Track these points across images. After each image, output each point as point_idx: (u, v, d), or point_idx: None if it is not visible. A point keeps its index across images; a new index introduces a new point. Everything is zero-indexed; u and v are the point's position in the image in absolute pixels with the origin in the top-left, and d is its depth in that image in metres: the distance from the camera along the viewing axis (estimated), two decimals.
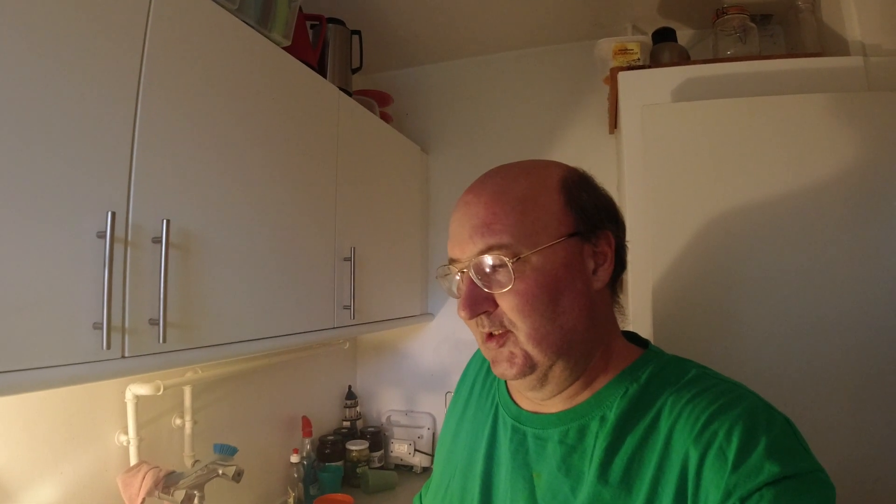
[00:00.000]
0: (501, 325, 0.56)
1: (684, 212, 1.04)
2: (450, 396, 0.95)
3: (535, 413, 0.61)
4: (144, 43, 0.80)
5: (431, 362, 1.93)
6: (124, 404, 1.06)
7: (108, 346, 0.70)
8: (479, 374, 0.75)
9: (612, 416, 0.55)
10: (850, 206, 0.97)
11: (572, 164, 0.62)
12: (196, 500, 1.06)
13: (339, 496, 1.51)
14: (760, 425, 0.48)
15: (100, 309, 0.71)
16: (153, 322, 0.79)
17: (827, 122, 1.00)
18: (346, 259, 1.35)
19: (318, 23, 1.46)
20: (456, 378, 0.81)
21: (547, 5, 1.63)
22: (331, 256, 1.30)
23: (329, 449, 1.66)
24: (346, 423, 1.85)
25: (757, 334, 0.99)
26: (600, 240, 0.58)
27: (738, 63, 1.16)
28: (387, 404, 1.97)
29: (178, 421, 1.20)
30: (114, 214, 0.72)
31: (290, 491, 1.47)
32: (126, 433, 1.06)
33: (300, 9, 1.25)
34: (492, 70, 1.94)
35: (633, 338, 0.64)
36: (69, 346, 0.68)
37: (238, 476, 1.11)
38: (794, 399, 0.92)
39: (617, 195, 0.81)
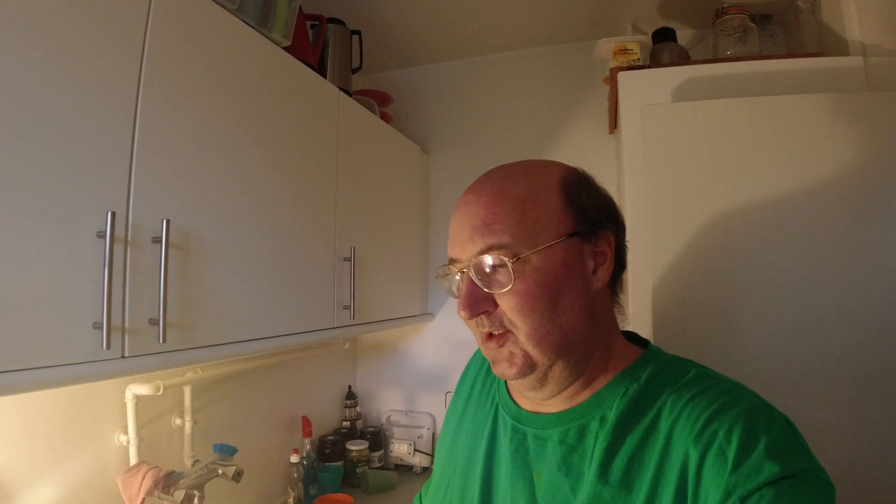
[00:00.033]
0: (501, 325, 0.56)
1: (684, 212, 1.04)
2: (450, 396, 0.95)
3: (535, 413, 0.61)
4: (144, 43, 0.80)
5: (431, 362, 1.93)
6: (124, 404, 1.06)
7: (108, 346, 0.70)
8: (479, 374, 0.75)
9: (612, 415, 0.55)
10: (850, 206, 0.97)
11: (572, 164, 0.62)
12: (196, 500, 1.06)
13: (339, 496, 1.51)
14: (760, 425, 0.48)
15: (100, 309, 0.71)
16: (153, 322, 0.79)
17: (827, 122, 1.00)
18: (346, 259, 1.35)
19: (318, 23, 1.46)
20: (456, 378, 0.81)
21: (547, 5, 1.63)
22: (331, 256, 1.30)
23: (329, 449, 1.66)
24: (346, 423, 1.85)
25: (757, 334, 0.99)
26: (600, 240, 0.58)
27: (738, 63, 1.16)
28: (387, 404, 1.97)
29: (178, 421, 1.20)
30: (114, 214, 0.72)
31: (290, 491, 1.47)
32: (126, 433, 1.06)
33: (300, 9, 1.25)
34: (492, 70, 1.94)
35: (633, 338, 0.64)
36: (69, 346, 0.68)
37: (238, 476, 1.11)
38: (794, 399, 0.92)
39: (617, 195, 0.81)
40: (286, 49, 1.17)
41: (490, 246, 0.54)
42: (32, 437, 0.92)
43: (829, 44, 1.23)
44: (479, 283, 0.55)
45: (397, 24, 1.72)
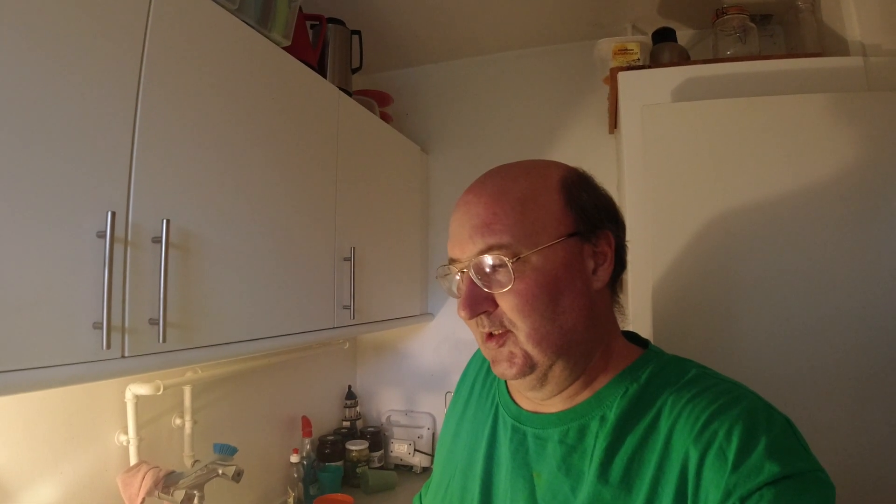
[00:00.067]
0: (501, 324, 0.56)
1: (684, 212, 1.04)
2: (450, 396, 0.95)
3: (535, 413, 0.61)
4: (144, 43, 0.80)
5: (431, 362, 1.93)
6: (124, 404, 1.06)
7: (108, 346, 0.70)
8: (479, 374, 0.75)
9: (612, 415, 0.55)
10: (850, 206, 0.97)
11: (572, 164, 0.62)
12: (196, 500, 1.06)
13: (339, 496, 1.51)
14: (760, 425, 0.48)
15: (100, 309, 0.71)
16: (153, 322, 0.79)
17: (827, 122, 1.00)
18: (346, 259, 1.35)
19: (318, 23, 1.46)
20: (456, 378, 0.81)
21: (547, 5, 1.63)
22: (331, 256, 1.30)
23: (329, 449, 1.66)
24: (346, 423, 1.85)
25: (757, 334, 0.99)
26: (600, 240, 0.58)
27: (738, 63, 1.16)
28: (387, 404, 1.97)
29: (178, 421, 1.20)
30: (114, 214, 0.72)
31: (290, 491, 1.47)
32: (126, 433, 1.06)
33: (300, 9, 1.25)
34: (492, 70, 1.94)
35: (633, 338, 0.64)
36: (69, 346, 0.68)
37: (238, 476, 1.11)
38: (794, 399, 0.92)
39: (617, 195, 0.81)
40: (286, 49, 1.17)
41: (490, 246, 0.54)
42: (32, 437, 0.92)
43: (829, 44, 1.23)
44: (479, 282, 0.55)
45: (397, 24, 1.72)
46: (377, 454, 1.80)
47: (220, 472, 1.10)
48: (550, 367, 0.56)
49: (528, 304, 0.54)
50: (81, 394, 1.00)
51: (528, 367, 0.55)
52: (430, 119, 2.00)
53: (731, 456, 0.46)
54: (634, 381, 0.57)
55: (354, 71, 1.60)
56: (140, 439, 1.07)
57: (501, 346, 0.56)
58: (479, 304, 0.55)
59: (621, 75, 1.23)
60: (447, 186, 1.96)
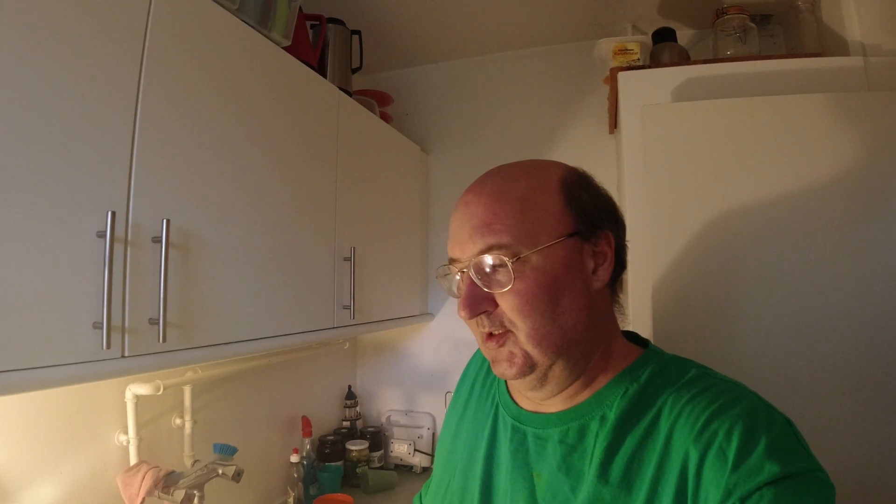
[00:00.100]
0: (501, 324, 0.56)
1: (684, 212, 1.04)
2: (450, 396, 0.95)
3: (535, 413, 0.61)
4: (144, 43, 0.80)
5: (431, 362, 1.93)
6: (124, 404, 1.06)
7: (108, 346, 0.70)
8: (479, 374, 0.75)
9: (612, 415, 0.55)
10: (850, 206, 0.97)
11: (572, 164, 0.62)
12: (196, 500, 1.06)
13: (339, 496, 1.51)
14: (760, 425, 0.48)
15: (100, 308, 0.71)
16: (153, 322, 0.79)
17: (827, 122, 1.00)
18: (346, 259, 1.35)
19: (318, 23, 1.46)
20: (456, 378, 0.81)
21: (547, 5, 1.63)
22: (331, 256, 1.30)
23: (329, 449, 1.66)
24: (346, 423, 1.85)
25: (757, 334, 0.99)
26: (600, 239, 0.58)
27: (738, 63, 1.17)
28: (387, 404, 1.97)
29: (178, 421, 1.20)
30: (114, 214, 0.72)
31: (290, 491, 1.47)
32: (126, 433, 1.06)
33: (300, 9, 1.25)
34: (492, 70, 1.94)
35: (633, 338, 0.64)
36: (69, 346, 0.68)
37: (238, 476, 1.11)
38: (794, 399, 0.92)
39: (617, 195, 0.81)
40: (286, 49, 1.17)
41: (490, 246, 0.54)
42: (32, 437, 0.92)
43: (829, 44, 1.23)
44: (479, 282, 0.55)
45: (397, 24, 1.72)
46: (377, 454, 1.80)
47: (220, 472, 1.10)
48: (550, 367, 0.56)
49: (528, 303, 0.54)
50: (81, 394, 1.00)
51: (528, 367, 0.55)
52: (430, 119, 2.00)
53: (731, 456, 0.46)
54: (634, 381, 0.57)
55: (354, 71, 1.60)
56: (140, 439, 1.07)
57: (501, 346, 0.56)
58: (479, 303, 0.55)
59: (621, 75, 1.23)
60: (447, 186, 1.96)
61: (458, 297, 0.58)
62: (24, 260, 0.64)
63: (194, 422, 1.22)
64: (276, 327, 1.09)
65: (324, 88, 1.31)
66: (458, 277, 0.59)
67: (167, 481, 1.03)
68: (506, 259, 0.53)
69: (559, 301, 0.54)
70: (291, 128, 1.17)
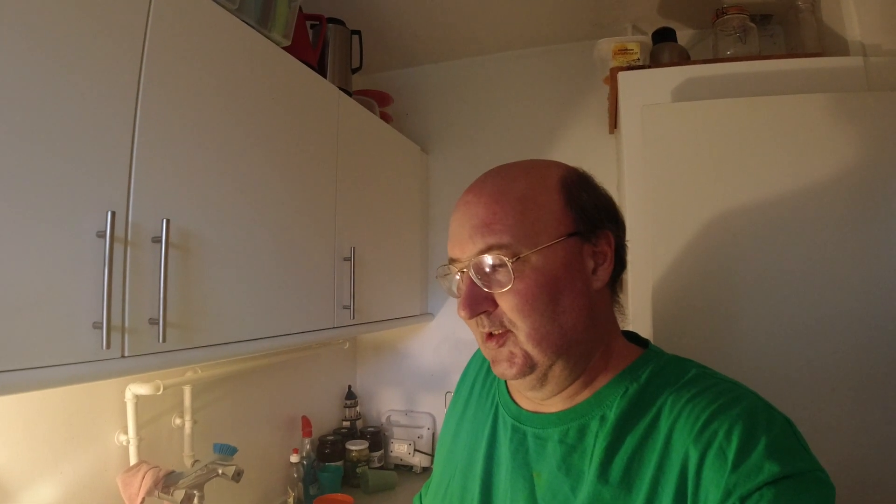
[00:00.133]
0: (501, 324, 0.56)
1: (684, 212, 1.04)
2: (450, 396, 0.95)
3: (535, 412, 0.61)
4: (144, 43, 0.80)
5: (431, 362, 1.93)
6: (124, 404, 1.06)
7: (108, 346, 0.70)
8: (479, 374, 0.75)
9: (612, 415, 0.55)
10: (850, 206, 0.97)
11: (572, 164, 0.62)
12: (196, 500, 1.06)
13: (339, 496, 1.51)
14: (760, 425, 0.48)
15: (99, 308, 0.71)
16: (153, 322, 0.79)
17: (827, 122, 1.00)
18: (346, 259, 1.35)
19: (318, 23, 1.46)
20: (456, 378, 0.81)
21: (547, 5, 1.63)
22: (331, 256, 1.30)
23: (329, 449, 1.66)
24: (346, 423, 1.85)
25: (757, 334, 0.99)
26: (600, 239, 0.58)
27: (738, 63, 1.16)
28: (387, 404, 1.97)
29: (178, 421, 1.20)
30: (114, 214, 0.72)
31: (290, 491, 1.47)
32: (126, 433, 1.06)
33: (300, 9, 1.25)
34: (492, 70, 1.94)
35: (633, 338, 0.64)
36: (69, 346, 0.68)
37: (238, 476, 1.11)
38: (794, 399, 0.92)
39: (617, 195, 0.81)
40: (286, 49, 1.17)
41: (490, 246, 0.54)
42: (32, 437, 0.92)
43: (829, 44, 1.23)
44: (478, 282, 0.55)
45: (397, 24, 1.72)
46: (377, 454, 1.80)
47: (220, 472, 1.10)
48: (550, 366, 0.56)
49: (528, 303, 0.54)
50: (81, 394, 1.00)
51: (529, 367, 0.55)
52: (430, 119, 2.00)
53: (730, 455, 0.46)
54: (634, 381, 0.57)
55: (354, 71, 1.60)
56: (140, 439, 1.07)
57: (501, 346, 0.56)
58: (478, 303, 0.55)
59: (621, 75, 1.23)
60: (447, 186, 1.96)
61: (457, 297, 0.58)
62: (24, 260, 0.64)
63: (194, 422, 1.22)
64: (276, 327, 1.09)
65: (324, 88, 1.31)
66: (457, 277, 0.59)
67: (167, 481, 1.03)
68: (506, 259, 0.53)
69: (559, 301, 0.54)
70: (291, 128, 1.17)
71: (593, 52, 1.53)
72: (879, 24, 1.12)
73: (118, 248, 0.74)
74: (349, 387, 1.90)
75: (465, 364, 0.81)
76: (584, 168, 0.62)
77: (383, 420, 1.94)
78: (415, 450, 1.82)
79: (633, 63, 1.39)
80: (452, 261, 0.59)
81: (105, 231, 0.71)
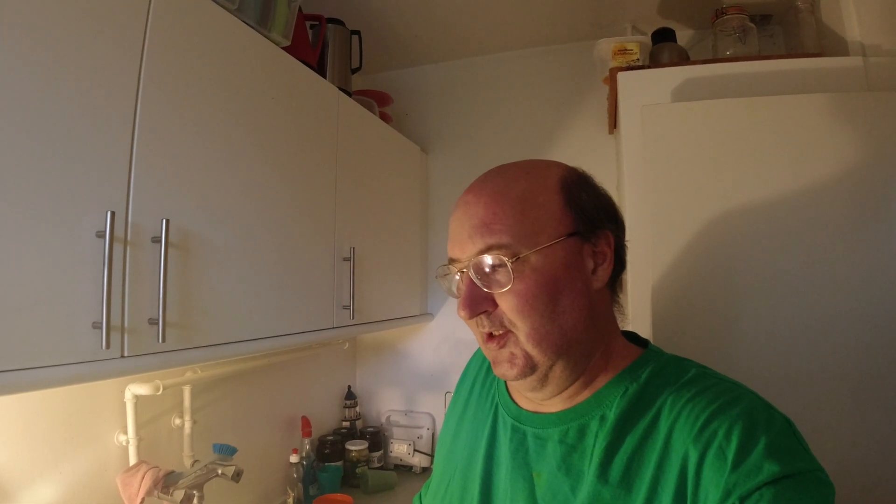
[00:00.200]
0: (501, 324, 0.56)
1: (684, 212, 1.04)
2: (449, 396, 0.95)
3: (535, 412, 0.61)
4: (144, 43, 0.80)
5: (431, 362, 1.93)
6: (124, 404, 1.06)
7: (108, 346, 0.70)
8: (479, 374, 0.75)
9: (611, 415, 0.55)
10: (850, 206, 0.97)
11: (572, 164, 0.62)
12: (195, 500, 1.06)
13: (339, 496, 1.51)
14: (760, 425, 0.48)
15: (99, 308, 0.71)
16: (152, 322, 0.79)
17: (827, 122, 1.00)
18: (345, 259, 1.34)
19: (317, 23, 1.46)
20: (456, 378, 0.81)
21: (547, 5, 1.63)
22: (330, 256, 1.30)
23: (328, 449, 1.66)
24: (346, 423, 1.85)
25: (757, 334, 0.99)
26: (600, 239, 0.58)
27: (738, 63, 1.17)
28: (386, 404, 1.97)
29: (178, 421, 1.20)
30: (113, 214, 0.72)
31: (290, 491, 1.47)
32: (125, 433, 1.06)
33: (300, 9, 1.25)
34: (492, 70, 1.94)
35: (633, 338, 0.64)
36: (68, 346, 0.68)
37: (237, 476, 1.11)
38: (794, 399, 0.92)
39: (617, 195, 0.81)
40: (286, 49, 1.17)
41: (490, 246, 0.54)
42: (32, 437, 0.92)
43: (829, 44, 1.23)
44: (478, 282, 0.55)
45: (397, 24, 1.72)
46: (377, 454, 1.80)
47: (220, 472, 1.10)
48: (551, 367, 0.56)
49: (528, 304, 0.54)
50: (81, 394, 1.00)
51: (529, 367, 0.55)
52: (430, 119, 2.00)
53: (730, 455, 0.46)
54: (634, 381, 0.57)
55: (354, 71, 1.60)
56: (140, 439, 1.07)
57: (502, 346, 0.56)
58: (478, 304, 0.55)
59: (621, 75, 1.23)
60: (447, 186, 1.96)
61: (457, 298, 0.58)
62: (23, 260, 0.64)
63: (194, 422, 1.22)
64: (275, 327, 1.09)
65: (323, 88, 1.31)
66: (457, 277, 0.59)
67: (167, 481, 1.03)
68: (505, 259, 0.53)
69: (559, 301, 0.54)
70: (291, 128, 1.17)
71: (593, 53, 1.53)
72: (879, 24, 1.13)
73: (118, 247, 0.74)
74: (349, 387, 1.90)
75: (464, 364, 0.81)
76: (584, 168, 0.62)
77: (383, 420, 1.94)
78: (414, 450, 1.82)
79: (632, 63, 1.39)
80: (452, 261, 0.59)
81: (105, 231, 0.71)
